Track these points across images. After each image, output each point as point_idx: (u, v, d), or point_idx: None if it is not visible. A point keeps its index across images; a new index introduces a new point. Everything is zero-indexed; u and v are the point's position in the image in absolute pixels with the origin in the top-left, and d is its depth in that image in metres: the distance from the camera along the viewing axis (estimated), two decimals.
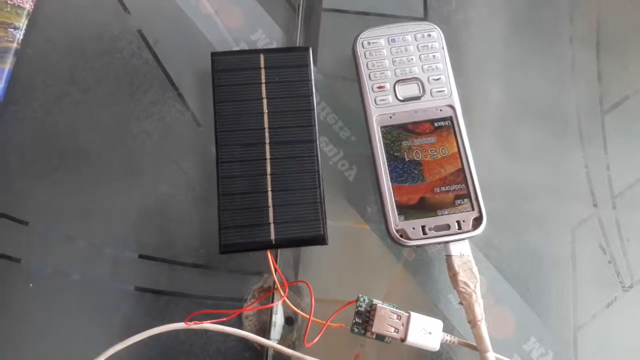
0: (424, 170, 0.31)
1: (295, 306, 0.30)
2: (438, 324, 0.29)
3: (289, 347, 0.30)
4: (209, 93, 0.32)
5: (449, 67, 0.33)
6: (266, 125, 0.32)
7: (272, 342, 0.30)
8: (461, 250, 0.30)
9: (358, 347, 0.31)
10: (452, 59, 0.34)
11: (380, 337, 0.29)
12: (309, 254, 0.33)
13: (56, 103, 0.34)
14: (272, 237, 0.30)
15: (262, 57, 0.33)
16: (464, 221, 0.31)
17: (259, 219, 0.30)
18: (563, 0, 0.38)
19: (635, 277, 0.34)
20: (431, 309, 0.32)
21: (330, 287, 0.32)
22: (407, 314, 0.29)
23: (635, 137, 0.36)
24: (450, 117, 0.32)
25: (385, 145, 0.32)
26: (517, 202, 0.34)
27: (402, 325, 0.29)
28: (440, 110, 0.33)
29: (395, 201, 0.31)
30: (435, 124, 0.32)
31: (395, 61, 0.33)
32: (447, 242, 0.30)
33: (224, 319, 0.29)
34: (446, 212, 0.31)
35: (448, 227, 0.31)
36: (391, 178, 0.31)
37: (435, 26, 0.34)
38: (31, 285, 0.31)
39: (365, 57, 0.33)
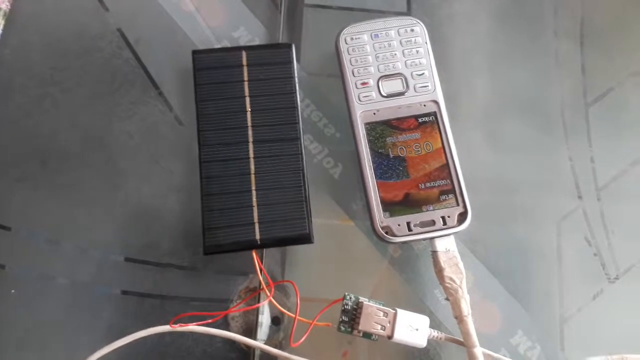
0: (409, 166, 0.31)
1: (282, 306, 0.30)
2: (425, 320, 0.29)
3: (275, 347, 0.30)
4: (191, 92, 0.32)
5: (432, 62, 0.33)
6: (249, 124, 0.32)
7: (259, 343, 0.30)
8: (447, 245, 0.30)
9: (345, 345, 0.31)
10: (437, 53, 0.34)
11: (367, 335, 0.29)
12: (295, 253, 0.32)
13: (36, 104, 0.34)
14: (257, 236, 0.30)
15: (244, 54, 0.33)
16: (449, 216, 0.31)
17: (244, 219, 0.30)
18: None
19: (620, 269, 0.34)
20: (418, 305, 0.32)
21: (316, 285, 0.32)
22: (394, 311, 0.29)
23: (619, 129, 0.36)
24: (434, 112, 0.32)
25: (370, 141, 0.32)
26: (502, 196, 0.34)
27: (389, 322, 0.29)
28: (424, 105, 0.32)
29: (380, 198, 0.31)
30: (419, 120, 0.32)
31: (378, 57, 0.33)
32: (432, 238, 0.30)
33: (210, 320, 0.29)
34: (431, 208, 0.31)
35: (433, 222, 0.31)
36: (376, 175, 0.31)
37: (419, 21, 0.34)
38: (13, 291, 0.31)
39: (349, 53, 0.33)
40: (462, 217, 0.31)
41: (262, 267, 0.30)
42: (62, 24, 0.35)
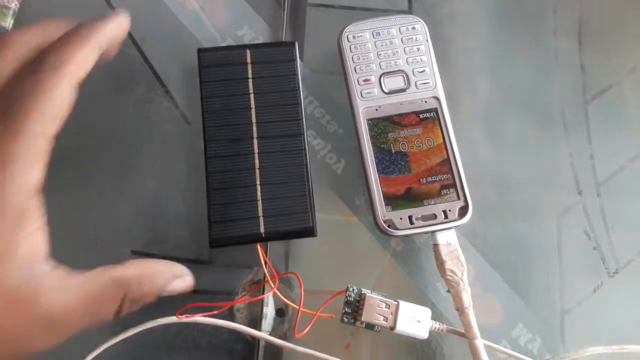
0: (410, 161, 0.32)
1: (286, 298, 0.31)
2: (426, 312, 0.30)
3: (280, 338, 0.30)
4: (196, 89, 0.32)
5: (433, 59, 0.34)
6: (254, 120, 0.32)
7: (264, 334, 0.30)
8: (448, 239, 0.31)
9: (349, 337, 0.32)
10: (438, 51, 0.34)
11: (370, 326, 0.29)
12: (299, 246, 0.33)
13: None
14: (262, 230, 0.30)
15: (248, 52, 0.33)
16: (450, 210, 0.31)
17: (249, 213, 0.30)
18: None
19: (620, 263, 0.34)
20: (420, 298, 0.32)
21: (320, 278, 0.32)
22: (396, 303, 0.29)
23: (618, 126, 0.37)
24: (435, 108, 0.33)
25: (372, 137, 0.32)
26: (503, 191, 0.35)
27: (391, 313, 0.29)
28: (425, 101, 0.33)
29: (383, 192, 0.31)
30: (421, 116, 0.33)
31: (380, 54, 0.33)
32: (434, 232, 0.31)
33: (216, 312, 0.29)
34: (432, 202, 0.31)
35: (435, 216, 0.31)
36: (378, 170, 0.32)
37: (420, 19, 0.34)
38: None
39: (351, 51, 0.34)
40: (463, 211, 0.31)
41: (267, 259, 0.30)
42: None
